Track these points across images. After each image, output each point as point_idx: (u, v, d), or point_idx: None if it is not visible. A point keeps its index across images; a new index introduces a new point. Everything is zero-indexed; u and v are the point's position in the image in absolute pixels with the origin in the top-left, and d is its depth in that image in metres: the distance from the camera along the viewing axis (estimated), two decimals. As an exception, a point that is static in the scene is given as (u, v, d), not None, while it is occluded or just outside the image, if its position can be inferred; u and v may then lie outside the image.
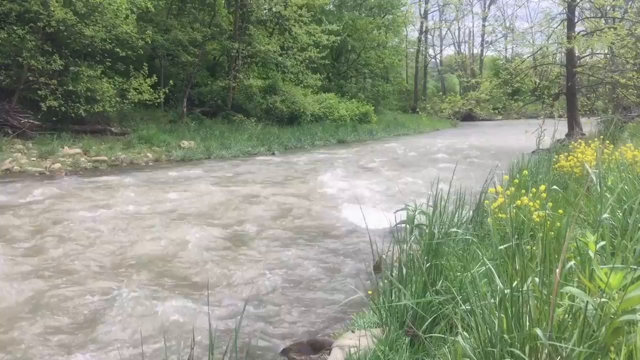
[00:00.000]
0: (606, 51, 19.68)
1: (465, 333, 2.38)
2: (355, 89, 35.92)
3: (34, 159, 13.21)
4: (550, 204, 4.07)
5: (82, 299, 4.71)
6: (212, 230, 7.20)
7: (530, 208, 4.04)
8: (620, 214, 3.65)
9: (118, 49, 16.49)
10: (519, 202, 4.13)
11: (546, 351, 1.90)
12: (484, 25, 48.40)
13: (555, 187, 4.45)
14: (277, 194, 10.14)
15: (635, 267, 1.93)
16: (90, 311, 4.47)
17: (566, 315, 2.02)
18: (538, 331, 1.90)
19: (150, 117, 19.94)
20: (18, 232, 6.88)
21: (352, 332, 3.49)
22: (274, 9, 23.94)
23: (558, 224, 3.51)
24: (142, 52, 18.10)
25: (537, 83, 19.64)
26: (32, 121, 15.27)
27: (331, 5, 33.65)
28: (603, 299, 1.88)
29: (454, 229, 4.02)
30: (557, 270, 1.80)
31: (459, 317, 2.58)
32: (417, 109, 34.49)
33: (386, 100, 39.46)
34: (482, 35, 54.66)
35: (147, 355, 3.68)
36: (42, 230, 6.99)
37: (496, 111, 22.39)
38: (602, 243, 2.48)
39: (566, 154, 7.32)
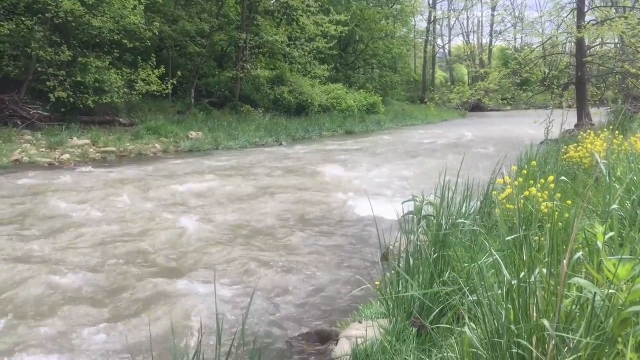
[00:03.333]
0: (616, 40, 19.49)
1: (472, 324, 2.38)
2: (363, 79, 35.77)
3: (43, 149, 13.27)
4: (558, 194, 4.06)
5: (89, 285, 4.75)
6: (219, 220, 7.23)
7: (539, 199, 4.03)
8: (629, 205, 3.63)
9: (126, 40, 16.49)
10: (527, 192, 4.12)
11: (553, 342, 1.90)
12: (492, 15, 47.87)
13: (563, 177, 4.43)
14: (284, 184, 10.15)
15: (644, 258, 1.92)
16: (98, 297, 4.50)
17: (573, 307, 2.02)
18: (545, 322, 1.90)
19: (158, 108, 19.96)
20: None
21: (359, 322, 3.50)
22: (281, -1, 23.86)
23: (566, 214, 3.50)
24: (149, 43, 18.08)
25: (546, 73, 19.48)
26: (40, 112, 15.34)
27: (339, -5, 33.45)
28: (611, 290, 1.87)
29: (462, 220, 4.01)
30: (565, 261, 1.79)
31: (465, 307, 2.58)
32: (425, 100, 34.36)
33: (394, 90, 39.27)
34: (491, 25, 54.07)
35: (155, 343, 3.70)
36: (33, 217, 7.05)
37: (505, 101, 22.19)
38: (611, 234, 2.47)
39: (575, 144, 7.27)
